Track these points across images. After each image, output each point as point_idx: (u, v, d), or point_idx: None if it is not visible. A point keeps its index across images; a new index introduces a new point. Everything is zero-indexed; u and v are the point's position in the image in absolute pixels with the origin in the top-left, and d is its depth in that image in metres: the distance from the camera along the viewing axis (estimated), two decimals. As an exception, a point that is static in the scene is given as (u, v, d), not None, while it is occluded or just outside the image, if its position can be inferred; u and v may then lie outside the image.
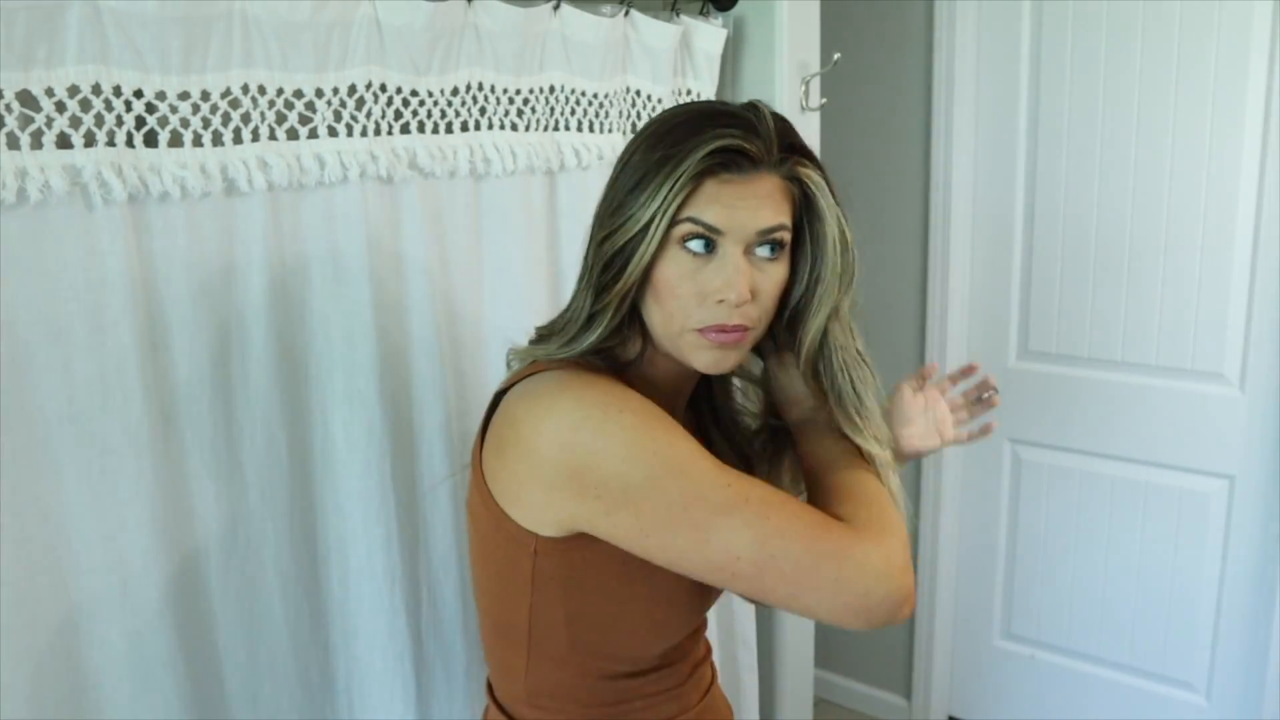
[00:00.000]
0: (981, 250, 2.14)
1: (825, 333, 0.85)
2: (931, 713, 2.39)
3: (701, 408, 0.99)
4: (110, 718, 0.94)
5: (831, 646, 2.45)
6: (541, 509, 0.78)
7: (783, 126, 0.81)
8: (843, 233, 0.82)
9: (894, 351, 2.27)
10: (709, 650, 1.04)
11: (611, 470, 0.73)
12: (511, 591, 0.85)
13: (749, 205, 0.78)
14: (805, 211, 0.83)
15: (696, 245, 0.78)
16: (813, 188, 0.81)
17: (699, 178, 0.77)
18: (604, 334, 0.82)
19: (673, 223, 0.77)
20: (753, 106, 0.81)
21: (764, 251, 0.79)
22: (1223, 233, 1.83)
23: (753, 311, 0.80)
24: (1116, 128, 1.91)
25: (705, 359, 0.81)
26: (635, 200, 0.78)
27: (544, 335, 0.89)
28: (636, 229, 0.78)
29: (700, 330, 0.79)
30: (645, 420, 0.75)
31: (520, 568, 0.82)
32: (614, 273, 0.80)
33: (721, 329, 0.78)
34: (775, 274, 0.81)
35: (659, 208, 0.76)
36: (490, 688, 0.96)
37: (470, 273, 1.25)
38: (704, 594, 0.91)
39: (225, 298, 1.00)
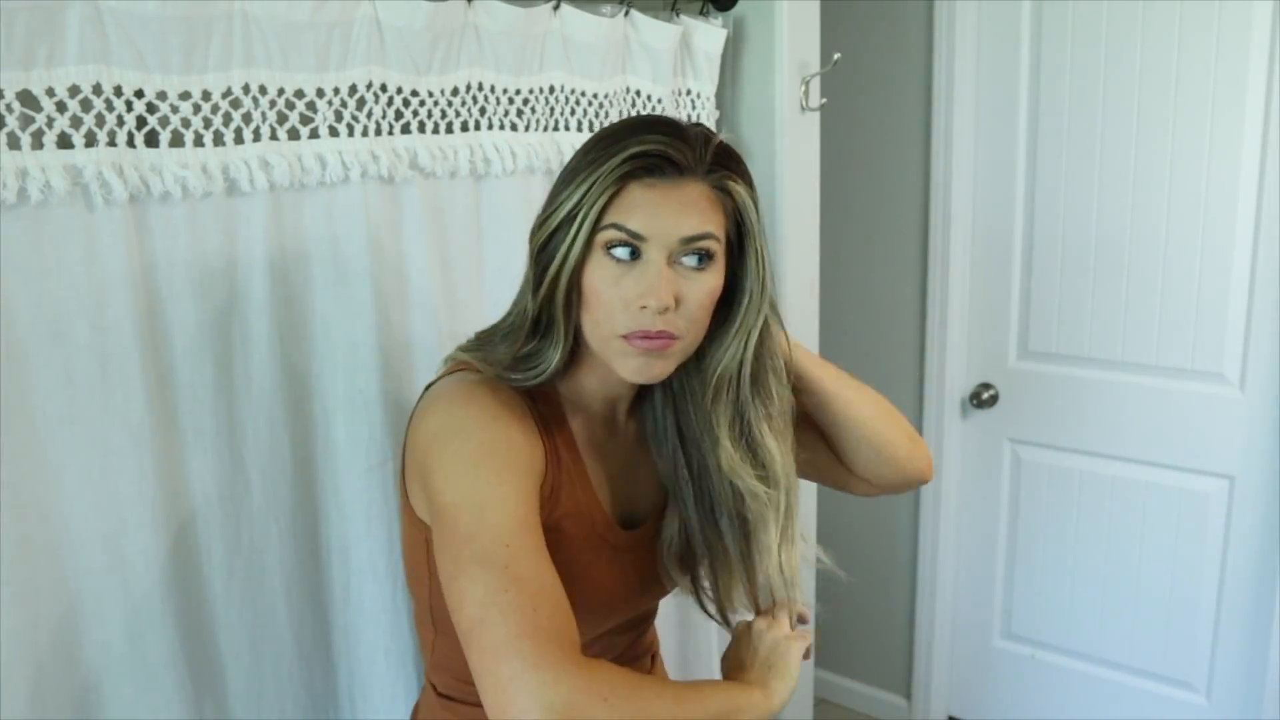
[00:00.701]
0: (981, 250, 2.14)
1: (742, 359, 0.85)
2: (931, 713, 2.39)
3: (646, 419, 0.96)
4: (111, 718, 0.94)
5: (831, 646, 2.45)
6: (417, 498, 0.85)
7: (721, 144, 0.82)
8: (760, 253, 0.83)
9: (894, 352, 2.27)
10: (651, 645, 1.07)
11: (436, 485, 0.77)
12: (418, 573, 0.91)
13: (672, 211, 0.78)
14: (738, 226, 0.83)
15: (621, 253, 0.78)
16: (738, 202, 0.82)
17: (623, 180, 0.78)
18: (565, 352, 0.82)
19: (597, 227, 0.78)
20: (696, 124, 0.82)
21: (690, 260, 0.80)
22: (1223, 233, 1.83)
23: (679, 321, 0.79)
24: (1116, 128, 1.91)
25: (631, 366, 0.81)
26: (562, 193, 0.81)
27: (483, 339, 0.89)
28: (559, 220, 0.79)
29: (625, 336, 0.79)
30: (482, 452, 0.77)
31: (419, 551, 0.88)
32: (542, 267, 0.81)
33: (645, 335, 0.79)
34: (704, 283, 0.81)
35: (580, 201, 0.78)
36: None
37: (471, 273, 1.25)
38: (606, 603, 0.92)
39: (227, 298, 1.00)
